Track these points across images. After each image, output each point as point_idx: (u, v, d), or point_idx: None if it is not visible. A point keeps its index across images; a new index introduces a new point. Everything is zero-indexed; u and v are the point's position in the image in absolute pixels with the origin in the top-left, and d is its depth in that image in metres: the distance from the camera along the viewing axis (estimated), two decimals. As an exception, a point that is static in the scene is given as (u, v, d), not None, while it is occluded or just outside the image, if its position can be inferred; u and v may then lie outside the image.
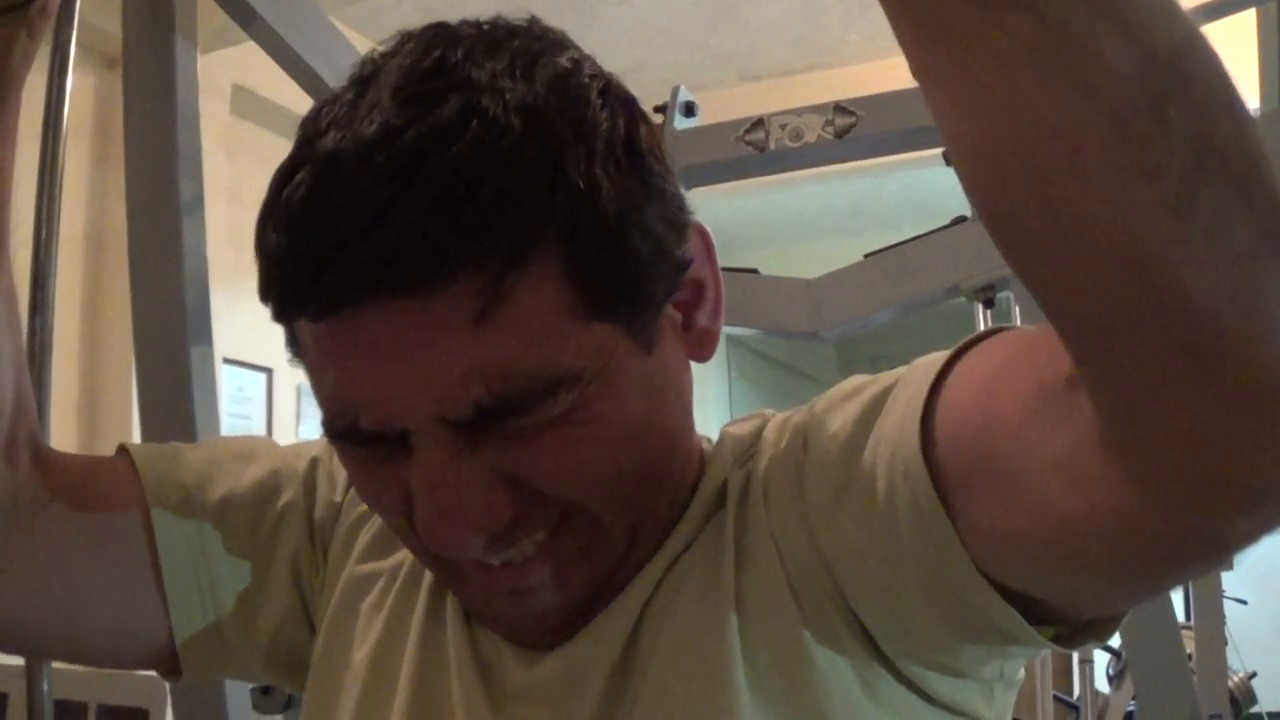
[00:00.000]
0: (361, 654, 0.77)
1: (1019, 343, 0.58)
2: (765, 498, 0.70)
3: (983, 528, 0.57)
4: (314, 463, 0.83)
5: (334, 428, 0.64)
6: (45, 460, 0.77)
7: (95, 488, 0.79)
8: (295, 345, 0.65)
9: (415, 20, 0.67)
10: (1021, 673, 0.71)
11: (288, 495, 0.81)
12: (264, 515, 0.80)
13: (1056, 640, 0.62)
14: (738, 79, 4.88)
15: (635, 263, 0.63)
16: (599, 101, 0.64)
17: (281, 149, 0.62)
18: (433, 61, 0.61)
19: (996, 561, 0.58)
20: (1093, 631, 0.63)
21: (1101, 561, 0.53)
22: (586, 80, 0.65)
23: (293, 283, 0.60)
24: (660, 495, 0.69)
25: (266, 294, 0.62)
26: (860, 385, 0.67)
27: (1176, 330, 0.43)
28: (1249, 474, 0.44)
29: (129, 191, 1.63)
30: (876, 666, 0.65)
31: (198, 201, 1.60)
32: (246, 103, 3.99)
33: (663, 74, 4.41)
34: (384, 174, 0.57)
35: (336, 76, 0.66)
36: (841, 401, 0.67)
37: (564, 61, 0.65)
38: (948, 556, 0.59)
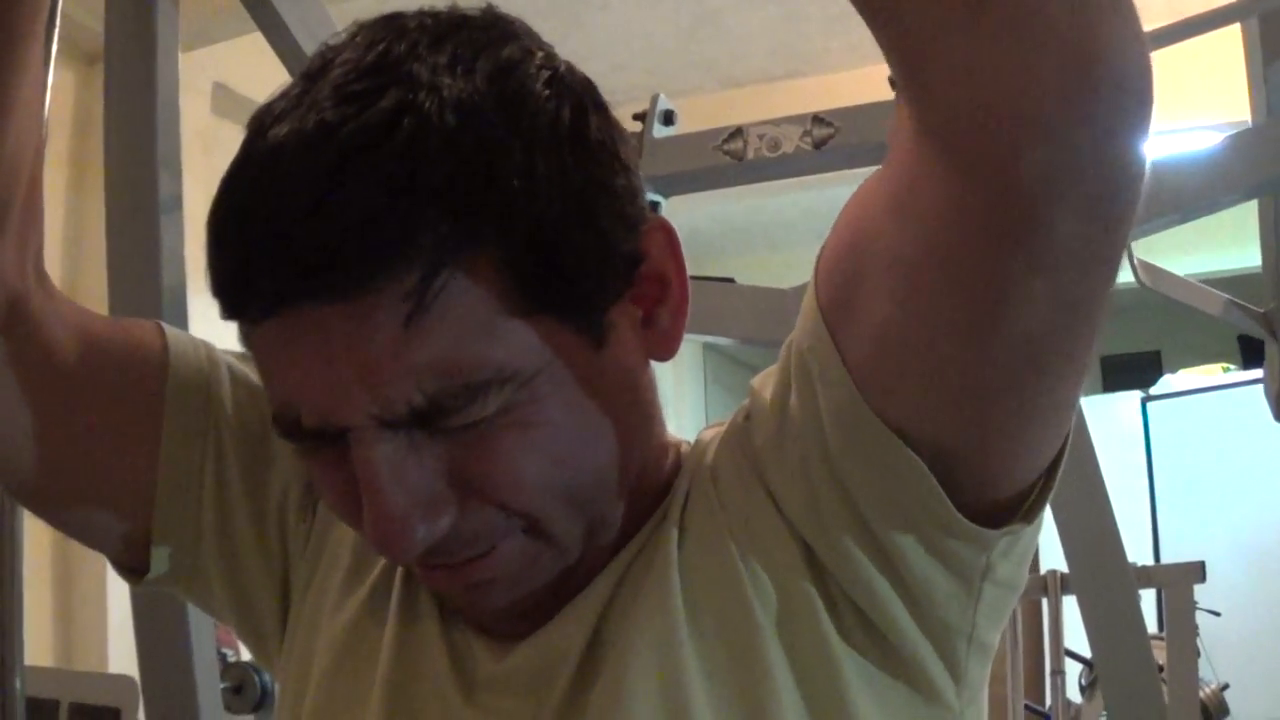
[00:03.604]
0: (339, 624, 0.76)
1: None
2: (714, 478, 0.70)
3: (865, 339, 0.60)
4: None
5: (280, 424, 0.64)
6: (51, 292, 0.75)
7: (113, 336, 0.77)
8: (245, 341, 0.65)
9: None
10: (996, 638, 0.70)
11: None
12: (269, 440, 0.79)
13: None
14: (718, 85, 4.88)
15: (576, 258, 0.63)
16: (545, 92, 0.63)
17: (262, 149, 0.62)
18: (375, 56, 0.61)
19: (883, 385, 0.60)
20: (1024, 513, 0.64)
21: (945, 296, 0.56)
22: (533, 71, 0.64)
23: (230, 286, 0.61)
24: (615, 498, 0.69)
25: (213, 294, 0.63)
26: None
27: None
28: (1023, 100, 0.49)
29: (108, 188, 1.62)
30: (836, 636, 0.65)
31: (177, 201, 1.59)
32: (226, 102, 3.97)
33: (643, 79, 4.42)
34: (314, 175, 0.57)
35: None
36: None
37: (510, 52, 0.64)
38: (851, 410, 0.61)
